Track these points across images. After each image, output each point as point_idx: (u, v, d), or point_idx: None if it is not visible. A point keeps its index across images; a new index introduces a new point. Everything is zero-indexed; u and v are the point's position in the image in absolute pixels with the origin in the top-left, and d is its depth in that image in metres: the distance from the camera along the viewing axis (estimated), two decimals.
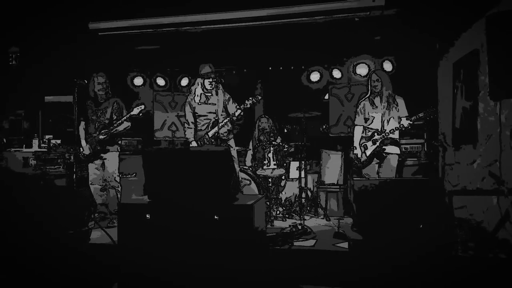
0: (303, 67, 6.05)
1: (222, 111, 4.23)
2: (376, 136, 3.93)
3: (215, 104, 4.20)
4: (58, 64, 5.52)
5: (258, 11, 4.26)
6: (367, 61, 5.62)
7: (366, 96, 4.09)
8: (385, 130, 3.89)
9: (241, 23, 4.46)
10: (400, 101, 3.99)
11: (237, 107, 4.16)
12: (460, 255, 2.81)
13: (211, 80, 4.15)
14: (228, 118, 4.16)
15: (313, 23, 4.42)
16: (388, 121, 3.92)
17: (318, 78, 5.95)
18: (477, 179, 3.78)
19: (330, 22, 4.39)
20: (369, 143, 3.97)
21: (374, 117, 4.00)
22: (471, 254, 2.82)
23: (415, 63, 5.33)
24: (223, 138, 4.24)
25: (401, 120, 3.84)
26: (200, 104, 4.27)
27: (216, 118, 4.15)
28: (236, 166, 4.35)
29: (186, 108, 4.34)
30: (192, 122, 4.31)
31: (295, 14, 4.23)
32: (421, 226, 2.66)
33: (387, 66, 5.51)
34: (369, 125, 4.02)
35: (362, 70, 5.62)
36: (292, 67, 6.14)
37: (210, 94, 4.26)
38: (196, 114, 4.30)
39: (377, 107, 3.99)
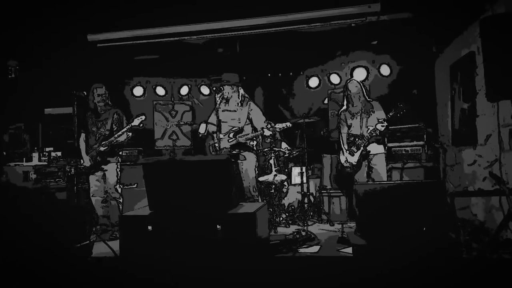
0: (301, 72, 6.10)
1: (247, 123, 4.24)
2: (358, 141, 4.07)
3: (235, 111, 4.22)
4: (57, 76, 5.55)
5: (257, 19, 4.30)
6: (364, 65, 5.66)
7: (344, 108, 4.26)
8: (364, 135, 4.03)
9: (240, 32, 4.50)
10: (376, 104, 4.14)
11: (269, 128, 4.09)
12: (464, 256, 2.81)
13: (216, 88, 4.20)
14: (258, 134, 4.17)
15: (311, 29, 4.46)
16: (366, 126, 4.05)
17: (317, 84, 5.99)
18: (478, 179, 3.79)
19: (328, 29, 4.44)
20: (354, 148, 4.11)
21: (351, 125, 4.17)
22: (475, 255, 2.82)
23: (413, 66, 5.38)
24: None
25: (377, 126, 3.94)
26: (224, 111, 4.27)
27: (236, 128, 4.19)
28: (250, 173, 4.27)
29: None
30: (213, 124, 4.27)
31: (293, 22, 4.27)
32: (424, 228, 2.66)
33: (385, 70, 5.56)
34: (350, 132, 4.18)
35: (360, 74, 5.65)
36: (291, 73, 6.18)
37: (226, 102, 4.26)
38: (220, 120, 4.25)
39: (354, 114, 4.16)
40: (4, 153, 5.91)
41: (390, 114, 3.89)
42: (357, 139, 4.09)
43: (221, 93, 4.28)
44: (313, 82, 5.99)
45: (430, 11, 4.02)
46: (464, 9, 3.75)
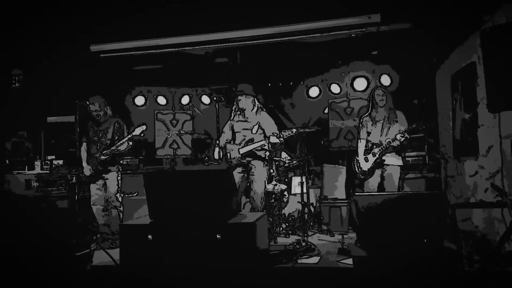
0: (302, 82, 6.12)
1: (259, 132, 4.26)
2: (375, 149, 4.05)
3: (249, 122, 4.25)
4: (60, 86, 5.60)
5: (257, 30, 4.34)
6: (365, 75, 5.68)
7: (368, 113, 4.23)
8: (382, 143, 4.00)
9: (240, 42, 4.53)
10: (400, 114, 4.11)
11: (277, 136, 4.09)
12: (466, 269, 2.78)
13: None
14: (264, 143, 4.17)
15: (311, 40, 4.49)
16: (387, 135, 4.03)
17: (317, 93, 6.00)
18: (480, 190, 3.76)
19: (328, 39, 4.47)
20: (370, 156, 4.08)
21: (371, 132, 4.14)
22: (477, 267, 2.78)
23: (413, 76, 5.39)
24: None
25: (396, 136, 3.91)
26: (238, 122, 4.31)
27: (249, 138, 4.20)
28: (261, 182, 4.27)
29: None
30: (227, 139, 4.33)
31: (294, 32, 4.31)
32: (425, 240, 2.64)
33: (385, 80, 5.57)
34: (370, 138, 4.15)
35: (360, 84, 5.67)
36: (291, 83, 6.21)
37: (240, 113, 4.29)
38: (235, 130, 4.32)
39: (377, 121, 4.12)
40: (7, 161, 5.93)
41: (413, 125, 3.87)
42: (374, 146, 4.07)
43: (236, 104, 4.30)
44: (313, 91, 6.01)
45: (430, 21, 4.05)
46: (465, 20, 3.77)
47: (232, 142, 4.32)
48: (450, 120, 4.55)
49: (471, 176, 3.98)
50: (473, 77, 3.82)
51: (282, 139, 4.07)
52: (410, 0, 3.76)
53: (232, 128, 4.35)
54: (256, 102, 4.31)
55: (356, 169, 4.19)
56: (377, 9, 4.04)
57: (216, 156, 4.29)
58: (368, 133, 4.17)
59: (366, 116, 4.24)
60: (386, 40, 4.64)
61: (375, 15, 4.05)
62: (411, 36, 4.45)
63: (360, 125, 4.27)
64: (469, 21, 3.75)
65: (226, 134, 4.37)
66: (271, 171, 4.59)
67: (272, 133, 4.10)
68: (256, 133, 4.26)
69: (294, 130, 4.13)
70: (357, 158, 4.21)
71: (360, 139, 4.26)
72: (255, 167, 4.23)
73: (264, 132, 4.28)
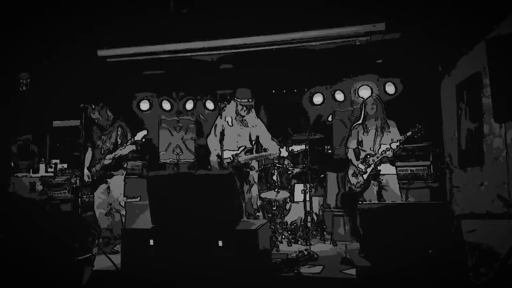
0: (306, 89, 6.11)
1: (254, 139, 4.27)
2: (370, 159, 4.01)
3: (247, 128, 4.24)
4: (66, 90, 5.64)
5: (262, 37, 4.36)
6: (369, 84, 5.66)
7: (359, 122, 4.22)
8: (377, 152, 3.98)
9: (245, 49, 4.55)
10: (392, 123, 4.10)
11: (288, 149, 4.13)
12: (472, 282, 2.73)
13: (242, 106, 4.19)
14: (267, 155, 4.22)
15: (315, 48, 4.50)
16: (380, 145, 4.01)
17: (321, 101, 5.99)
18: (486, 201, 3.71)
19: (332, 47, 4.47)
20: (364, 166, 4.05)
21: (362, 141, 4.13)
22: (484, 280, 2.73)
23: (418, 85, 5.36)
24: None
25: (391, 145, 3.89)
26: (232, 127, 4.26)
27: (243, 146, 4.19)
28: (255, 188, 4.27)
29: (213, 131, 4.31)
30: (215, 149, 4.26)
31: (298, 40, 4.31)
32: (430, 251, 2.60)
33: (390, 88, 5.55)
34: (361, 148, 4.13)
35: (365, 92, 5.65)
36: (295, 90, 6.20)
37: (241, 119, 4.27)
38: (226, 134, 4.27)
39: (369, 131, 4.11)
40: (12, 164, 5.98)
41: (408, 134, 3.83)
42: (368, 156, 4.04)
43: (235, 109, 4.25)
44: (317, 99, 5.99)
45: (436, 30, 4.04)
46: (470, 29, 3.76)
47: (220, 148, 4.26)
48: (455, 130, 4.51)
49: (477, 186, 3.93)
50: (478, 86, 3.80)
51: (294, 152, 4.12)
52: (415, 9, 3.75)
53: (222, 133, 4.27)
54: (252, 109, 4.26)
55: (351, 180, 4.14)
56: (382, 17, 4.04)
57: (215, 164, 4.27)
58: (360, 142, 4.14)
59: (358, 125, 4.21)
60: (391, 48, 4.63)
61: (380, 23, 4.05)
62: (416, 45, 4.44)
63: (350, 133, 4.25)
64: (475, 31, 3.74)
65: (214, 145, 4.29)
66: (274, 178, 4.58)
67: (283, 146, 4.15)
68: (252, 140, 4.25)
69: (305, 146, 4.20)
70: (349, 172, 4.16)
71: (349, 147, 4.23)
72: (254, 169, 4.22)
73: (257, 139, 4.28)
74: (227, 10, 3.90)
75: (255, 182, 4.24)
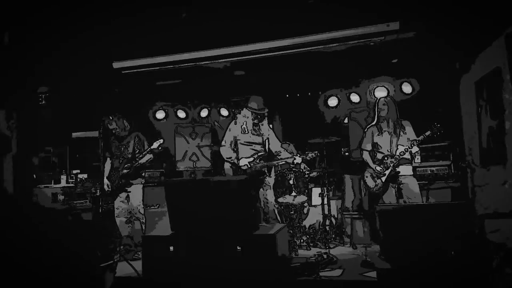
0: (320, 92, 6.09)
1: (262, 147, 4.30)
2: (387, 161, 3.94)
3: (260, 136, 4.29)
4: (84, 102, 5.79)
5: (275, 42, 4.37)
6: (385, 84, 5.59)
7: (373, 123, 4.17)
8: (395, 154, 3.92)
9: (258, 55, 4.57)
10: (407, 125, 4.04)
11: (300, 155, 4.20)
12: (497, 283, 2.64)
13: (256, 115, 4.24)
14: (282, 161, 4.27)
15: (329, 50, 4.48)
16: (397, 146, 3.94)
17: (336, 103, 5.95)
18: (510, 200, 3.60)
19: (346, 48, 4.45)
20: (381, 168, 3.99)
21: (377, 143, 4.08)
22: (509, 281, 2.64)
23: (436, 83, 5.26)
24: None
25: (412, 145, 3.82)
26: (245, 134, 4.29)
27: (263, 153, 4.24)
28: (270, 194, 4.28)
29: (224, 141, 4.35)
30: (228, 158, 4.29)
31: (311, 43, 4.30)
32: (452, 252, 2.54)
33: (406, 88, 5.46)
34: (377, 150, 4.08)
35: (381, 93, 5.58)
36: (309, 93, 6.19)
37: (255, 127, 4.31)
38: (239, 142, 4.29)
39: (383, 132, 4.05)
40: (34, 176, 6.15)
41: (427, 133, 3.78)
42: (386, 158, 3.98)
43: (251, 117, 4.29)
44: (332, 101, 5.94)
45: (450, 27, 3.97)
46: (488, 24, 3.68)
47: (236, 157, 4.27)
48: (476, 128, 4.40)
49: (500, 185, 3.82)
50: (498, 82, 3.70)
51: (307, 158, 4.17)
52: (430, 6, 3.70)
53: (235, 143, 4.30)
54: (266, 117, 4.32)
55: (368, 183, 4.07)
56: (396, 16, 3.99)
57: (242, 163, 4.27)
58: (375, 144, 4.09)
59: (372, 126, 4.17)
60: (406, 48, 4.57)
61: (394, 23, 4.00)
62: (433, 43, 4.36)
63: (365, 135, 4.21)
64: (493, 26, 3.65)
65: (226, 154, 4.30)
66: (290, 182, 4.57)
67: (298, 153, 4.23)
68: (266, 147, 4.29)
69: (317, 153, 4.27)
70: (366, 175, 4.11)
71: (363, 149, 4.18)
72: (270, 175, 4.23)
73: (268, 146, 4.31)
74: (239, 13, 3.92)
75: (271, 187, 4.24)
